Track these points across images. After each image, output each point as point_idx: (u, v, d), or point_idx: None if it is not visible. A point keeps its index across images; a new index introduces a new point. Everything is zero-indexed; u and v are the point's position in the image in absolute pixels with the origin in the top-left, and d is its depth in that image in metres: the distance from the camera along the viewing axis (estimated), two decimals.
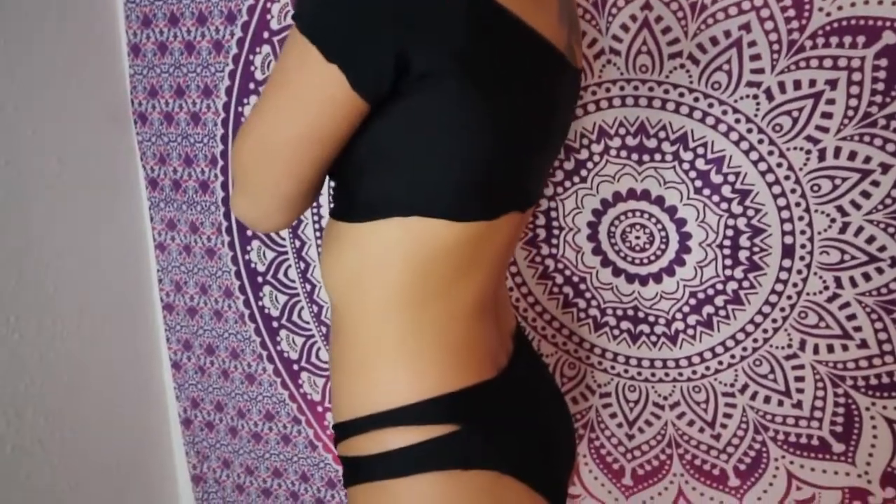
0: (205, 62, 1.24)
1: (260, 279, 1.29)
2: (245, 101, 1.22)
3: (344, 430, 0.62)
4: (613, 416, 1.09)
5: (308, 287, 1.26)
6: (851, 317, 0.95)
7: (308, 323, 1.27)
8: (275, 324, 1.30)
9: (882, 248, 0.92)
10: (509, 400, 0.65)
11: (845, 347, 0.96)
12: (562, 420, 0.73)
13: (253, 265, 1.29)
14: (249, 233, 1.27)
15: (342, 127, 0.54)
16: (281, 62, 0.54)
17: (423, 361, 0.59)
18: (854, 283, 0.94)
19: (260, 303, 1.30)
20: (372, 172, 0.57)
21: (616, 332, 1.06)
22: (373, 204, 0.57)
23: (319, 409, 1.30)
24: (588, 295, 1.07)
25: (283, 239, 1.25)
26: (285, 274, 1.27)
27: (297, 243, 1.24)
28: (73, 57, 1.26)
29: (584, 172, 1.03)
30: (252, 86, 1.21)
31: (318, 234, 1.22)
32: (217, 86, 1.24)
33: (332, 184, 0.63)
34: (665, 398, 1.05)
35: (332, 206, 0.63)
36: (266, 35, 1.17)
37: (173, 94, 1.28)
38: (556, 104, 0.63)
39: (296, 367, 1.30)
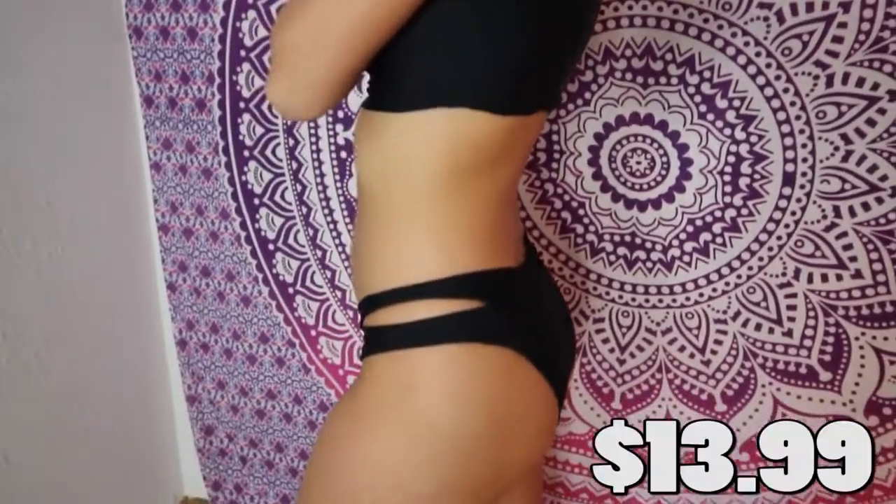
0: None
1: (256, 201, 1.28)
2: (242, 16, 1.19)
3: (372, 303, 0.64)
4: (606, 341, 1.10)
5: (304, 210, 1.25)
6: (848, 246, 0.95)
7: (304, 247, 1.27)
8: (270, 247, 1.29)
9: (883, 178, 0.91)
10: (528, 291, 0.67)
11: (839, 277, 0.97)
12: (567, 326, 0.75)
13: (250, 186, 1.28)
14: (246, 153, 1.26)
15: (402, 12, 0.55)
16: None
17: (454, 241, 0.61)
18: (853, 213, 0.94)
19: (256, 225, 1.29)
20: (419, 62, 0.58)
21: (612, 257, 1.06)
22: (417, 94, 0.59)
23: (313, 332, 1.31)
24: (586, 220, 1.06)
25: (280, 160, 1.24)
26: (282, 196, 1.26)
27: (294, 165, 1.23)
28: None
29: (587, 95, 1.01)
30: (250, 0, 1.17)
31: (314, 155, 1.21)
32: (214, 0, 1.20)
33: (371, 75, 0.63)
34: (658, 324, 1.06)
35: (369, 97, 0.64)
36: None
37: (169, 7, 1.25)
38: (586, 7, 0.65)
39: (291, 290, 1.30)
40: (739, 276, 1.01)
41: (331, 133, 1.19)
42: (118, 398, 1.40)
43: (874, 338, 0.97)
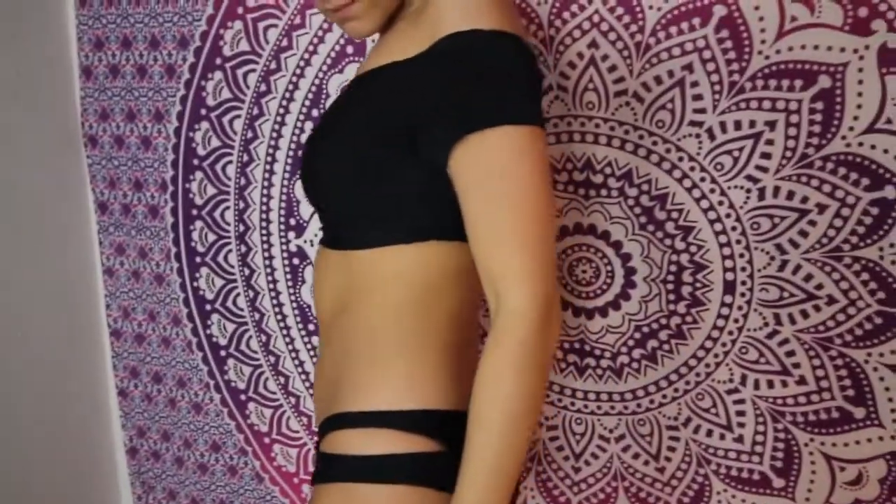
0: (157, 86, 1.23)
1: (208, 307, 1.27)
2: (196, 126, 1.21)
3: (334, 423, 0.65)
4: (560, 448, 1.09)
5: (256, 316, 1.24)
6: (790, 353, 0.96)
7: (256, 353, 1.25)
8: (222, 352, 1.27)
9: (819, 287, 0.93)
10: None
11: (784, 383, 0.97)
12: None
13: (201, 292, 1.27)
14: (198, 259, 1.25)
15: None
16: (511, 176, 0.58)
17: (427, 373, 0.64)
18: (793, 320, 0.95)
19: (208, 331, 1.28)
20: (410, 203, 0.63)
21: (563, 364, 1.06)
22: (387, 232, 0.64)
23: (266, 440, 1.27)
24: None
25: (233, 267, 1.24)
26: (234, 302, 1.25)
27: (247, 271, 1.23)
28: (23, 78, 1.24)
29: None
30: (203, 111, 1.20)
31: (267, 262, 1.21)
32: (168, 110, 1.22)
33: (339, 217, 0.67)
34: (611, 431, 1.06)
35: (339, 236, 0.68)
36: (218, 61, 1.16)
37: (124, 117, 1.26)
38: None
39: (243, 397, 1.28)
40: (688, 383, 1.01)
41: (283, 240, 1.19)
42: None
43: (823, 444, 0.97)
